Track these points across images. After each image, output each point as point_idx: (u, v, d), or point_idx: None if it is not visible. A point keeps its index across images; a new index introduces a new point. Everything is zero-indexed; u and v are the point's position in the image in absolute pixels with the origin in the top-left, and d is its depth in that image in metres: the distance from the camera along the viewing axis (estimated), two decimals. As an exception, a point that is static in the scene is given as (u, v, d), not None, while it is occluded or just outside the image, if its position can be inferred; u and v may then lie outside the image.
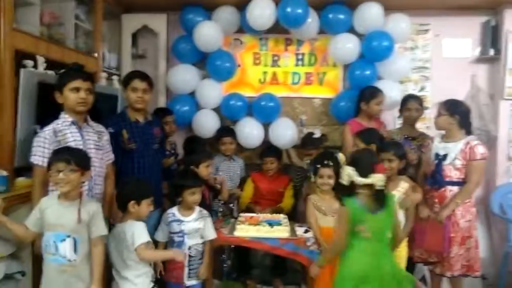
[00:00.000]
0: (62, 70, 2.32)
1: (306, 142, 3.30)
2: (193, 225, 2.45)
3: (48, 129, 2.14)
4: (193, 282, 2.45)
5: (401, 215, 2.53)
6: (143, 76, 2.75)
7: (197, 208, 2.51)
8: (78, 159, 1.93)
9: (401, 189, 2.58)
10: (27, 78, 2.32)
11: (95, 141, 2.30)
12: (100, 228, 2.00)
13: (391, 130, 3.31)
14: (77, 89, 2.18)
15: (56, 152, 1.98)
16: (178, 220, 2.44)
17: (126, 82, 2.74)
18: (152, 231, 2.69)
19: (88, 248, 1.97)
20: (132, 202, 2.17)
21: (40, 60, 2.48)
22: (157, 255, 2.35)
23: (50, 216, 1.91)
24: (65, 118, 2.20)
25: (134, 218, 2.20)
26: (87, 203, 2.00)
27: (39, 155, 2.09)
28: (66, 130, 2.18)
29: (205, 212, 2.53)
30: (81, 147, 2.17)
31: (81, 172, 1.94)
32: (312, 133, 3.35)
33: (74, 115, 2.22)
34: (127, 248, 2.13)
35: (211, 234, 2.51)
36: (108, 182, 2.46)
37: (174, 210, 2.49)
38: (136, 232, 2.13)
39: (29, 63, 2.40)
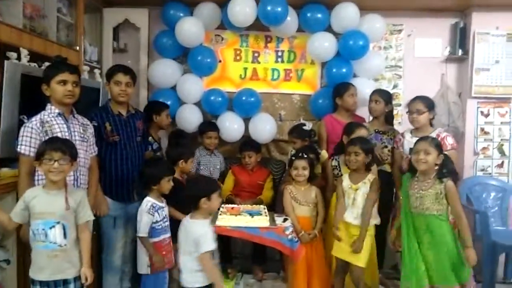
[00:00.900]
0: (46, 63, 2.35)
1: (293, 131, 3.40)
2: (167, 209, 2.61)
3: (35, 120, 2.18)
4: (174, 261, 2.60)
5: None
6: (127, 70, 2.79)
7: None
8: (71, 150, 2.01)
9: (367, 181, 2.70)
10: (11, 70, 2.33)
11: (80, 133, 2.35)
12: (87, 214, 2.08)
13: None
14: (64, 82, 2.21)
15: (49, 141, 2.02)
16: (161, 207, 2.55)
17: (109, 75, 2.78)
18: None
19: (75, 233, 2.03)
20: (204, 199, 2.22)
21: (24, 52, 2.49)
22: (212, 271, 2.23)
23: (37, 205, 1.95)
24: (51, 110, 2.24)
25: (206, 213, 2.29)
26: (73, 191, 2.07)
27: (26, 145, 2.12)
28: (53, 121, 2.22)
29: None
30: (65, 138, 2.20)
31: (72, 162, 2.01)
32: (303, 124, 3.44)
33: (60, 107, 2.26)
34: (191, 245, 2.20)
35: None
36: (92, 174, 2.50)
37: (152, 199, 2.53)
38: (204, 237, 2.18)
39: (13, 55, 2.41)
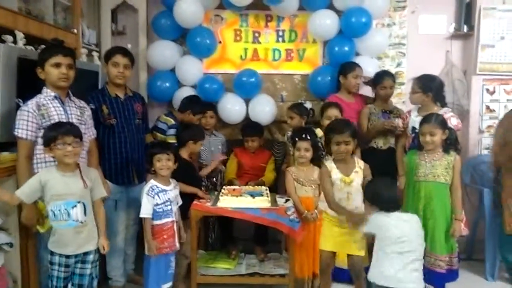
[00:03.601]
0: (43, 46, 2.33)
1: (293, 106, 3.40)
2: (175, 192, 2.61)
3: (31, 103, 2.17)
4: (177, 245, 2.61)
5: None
6: (125, 52, 2.77)
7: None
8: (79, 133, 2.09)
9: (358, 169, 2.49)
10: (7, 54, 2.30)
11: (77, 116, 2.34)
12: (101, 191, 2.23)
13: (367, 106, 3.40)
14: (58, 65, 2.20)
15: (57, 126, 2.07)
16: (163, 190, 2.53)
17: (107, 57, 2.76)
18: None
19: (92, 209, 2.16)
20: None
21: (19, 35, 2.46)
22: None
23: (55, 187, 2.03)
24: (47, 93, 2.23)
25: None
26: (86, 170, 2.16)
27: (23, 128, 2.12)
28: (49, 104, 2.21)
29: (175, 180, 2.65)
30: (64, 121, 2.20)
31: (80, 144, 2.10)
32: (303, 102, 3.55)
33: (56, 90, 2.25)
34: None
35: (180, 200, 2.68)
36: (92, 157, 2.51)
37: (155, 182, 2.53)
38: None
39: (9, 38, 2.38)
